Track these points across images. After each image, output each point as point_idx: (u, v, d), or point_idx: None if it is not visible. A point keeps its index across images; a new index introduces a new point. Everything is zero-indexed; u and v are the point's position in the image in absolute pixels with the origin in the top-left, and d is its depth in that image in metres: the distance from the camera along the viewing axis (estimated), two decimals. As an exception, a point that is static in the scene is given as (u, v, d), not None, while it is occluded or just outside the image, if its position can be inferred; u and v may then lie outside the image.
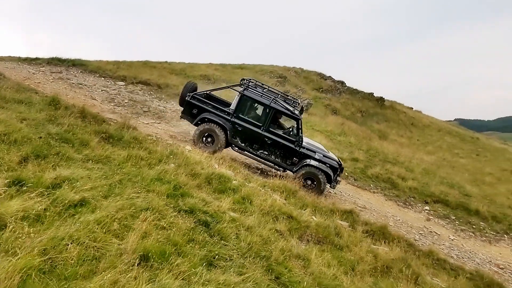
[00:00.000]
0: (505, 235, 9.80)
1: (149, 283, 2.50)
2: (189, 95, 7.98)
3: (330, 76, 28.29)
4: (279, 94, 8.24)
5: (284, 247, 4.13)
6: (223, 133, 7.68)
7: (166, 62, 19.90)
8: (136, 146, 5.54)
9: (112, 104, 10.86)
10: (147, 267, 2.70)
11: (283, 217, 5.14)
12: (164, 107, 12.71)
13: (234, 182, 5.73)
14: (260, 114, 7.90)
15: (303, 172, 7.74)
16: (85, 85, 12.04)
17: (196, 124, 7.88)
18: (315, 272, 3.86)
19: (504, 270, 7.40)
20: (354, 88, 29.28)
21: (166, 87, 15.21)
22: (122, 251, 2.75)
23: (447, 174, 14.83)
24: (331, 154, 8.51)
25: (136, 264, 2.65)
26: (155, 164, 5.11)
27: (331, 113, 21.39)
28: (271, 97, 7.85)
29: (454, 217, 10.13)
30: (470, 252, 7.83)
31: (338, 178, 8.16)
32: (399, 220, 8.57)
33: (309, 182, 7.85)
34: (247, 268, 3.35)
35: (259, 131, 7.74)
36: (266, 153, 7.86)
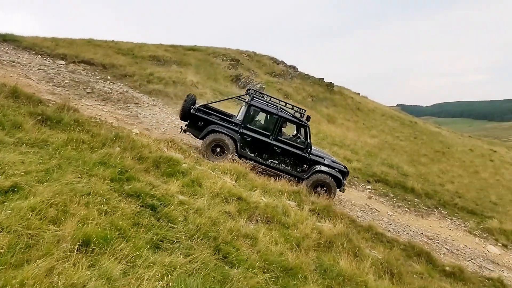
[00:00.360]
0: (435, 210, 10.89)
1: (89, 269, 2.43)
2: (194, 108, 7.54)
3: (282, 61, 28.56)
4: (285, 103, 8.14)
5: (233, 227, 4.20)
6: (233, 144, 7.43)
7: (112, 41, 18.73)
8: (78, 129, 5.23)
9: (50, 84, 10.06)
10: (88, 253, 2.61)
11: (233, 199, 5.20)
12: (110, 88, 12.06)
13: (184, 165, 5.67)
14: (268, 123, 7.79)
15: (315, 178, 7.77)
16: (19, 63, 10.99)
17: (203, 137, 7.57)
18: (262, 249, 3.98)
19: (433, 240, 8.24)
20: (306, 73, 29.92)
21: (112, 67, 14.38)
22: (59, 238, 2.62)
23: (388, 156, 15.92)
24: (335, 159, 8.67)
25: (75, 251, 2.55)
26: (99, 147, 4.88)
27: (283, 97, 21.73)
28: (277, 106, 7.71)
29: (392, 195, 10.98)
30: (405, 226, 8.59)
31: (344, 181, 8.29)
32: (343, 198, 9.09)
33: (319, 188, 7.90)
34: (194, 249, 3.37)
35: (268, 140, 7.59)
36: (276, 162, 7.78)
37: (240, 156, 7.73)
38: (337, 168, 8.07)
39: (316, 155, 8.09)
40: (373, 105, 33.25)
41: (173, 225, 3.69)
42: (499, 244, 9.71)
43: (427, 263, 6.10)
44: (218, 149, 7.44)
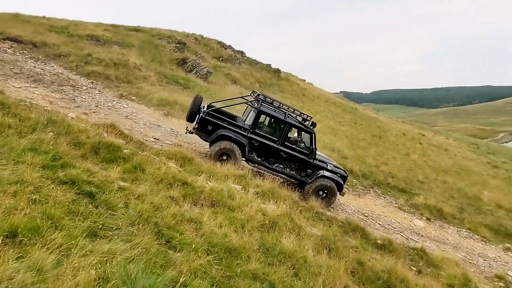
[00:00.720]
0: (370, 189, 11.77)
1: (17, 261, 2.29)
2: (204, 112, 7.33)
3: (230, 46, 28.25)
4: (293, 109, 8.19)
5: (177, 212, 4.18)
6: (240, 149, 7.52)
7: (43, 17, 17.08)
8: (2, 112, 4.78)
9: (-32, 63, 8.96)
10: (15, 245, 2.45)
11: (177, 184, 5.16)
12: (42, 69, 11.06)
13: (125, 151, 5.47)
14: (276, 129, 7.88)
15: (318, 183, 8.07)
16: None
17: (212, 141, 7.54)
18: (206, 232, 4.03)
19: (368, 217, 8.95)
20: (254, 58, 29.96)
21: (43, 46, 13.15)
22: (-19, 230, 2.42)
23: (330, 140, 16.75)
24: (336, 163, 9.09)
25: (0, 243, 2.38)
26: (28, 132, 4.53)
27: (231, 83, 21.63)
28: (284, 112, 7.71)
29: (333, 177, 11.60)
30: (344, 205, 9.22)
31: (344, 185, 8.71)
32: (288, 182, 9.41)
33: (321, 192, 8.24)
34: (135, 235, 3.32)
35: (275, 145, 7.63)
36: (281, 166, 7.98)
37: (247, 160, 7.81)
38: (339, 174, 8.51)
39: (320, 161, 8.44)
40: (318, 92, 34.48)
41: (113, 212, 3.58)
42: (423, 218, 10.84)
43: (362, 237, 6.64)
44: (225, 157, 7.62)
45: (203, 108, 7.91)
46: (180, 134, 9.74)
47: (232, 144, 7.49)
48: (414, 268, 6.37)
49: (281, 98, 24.88)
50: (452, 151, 27.12)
